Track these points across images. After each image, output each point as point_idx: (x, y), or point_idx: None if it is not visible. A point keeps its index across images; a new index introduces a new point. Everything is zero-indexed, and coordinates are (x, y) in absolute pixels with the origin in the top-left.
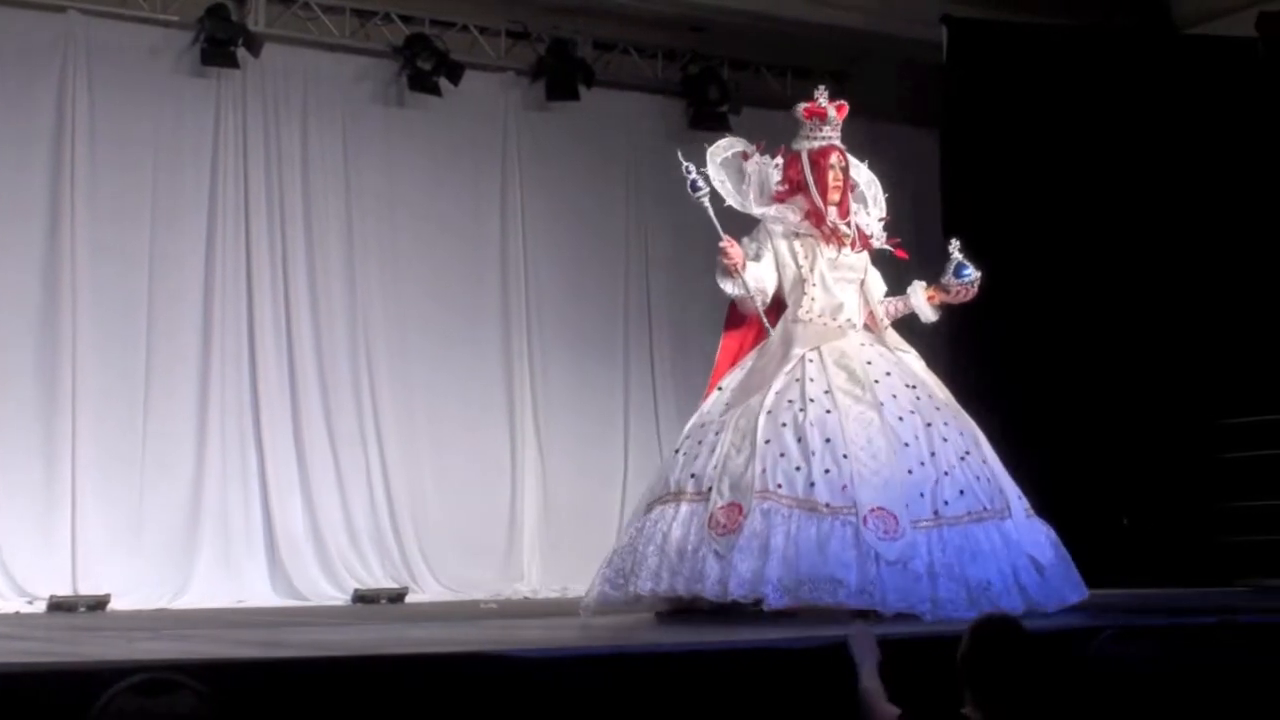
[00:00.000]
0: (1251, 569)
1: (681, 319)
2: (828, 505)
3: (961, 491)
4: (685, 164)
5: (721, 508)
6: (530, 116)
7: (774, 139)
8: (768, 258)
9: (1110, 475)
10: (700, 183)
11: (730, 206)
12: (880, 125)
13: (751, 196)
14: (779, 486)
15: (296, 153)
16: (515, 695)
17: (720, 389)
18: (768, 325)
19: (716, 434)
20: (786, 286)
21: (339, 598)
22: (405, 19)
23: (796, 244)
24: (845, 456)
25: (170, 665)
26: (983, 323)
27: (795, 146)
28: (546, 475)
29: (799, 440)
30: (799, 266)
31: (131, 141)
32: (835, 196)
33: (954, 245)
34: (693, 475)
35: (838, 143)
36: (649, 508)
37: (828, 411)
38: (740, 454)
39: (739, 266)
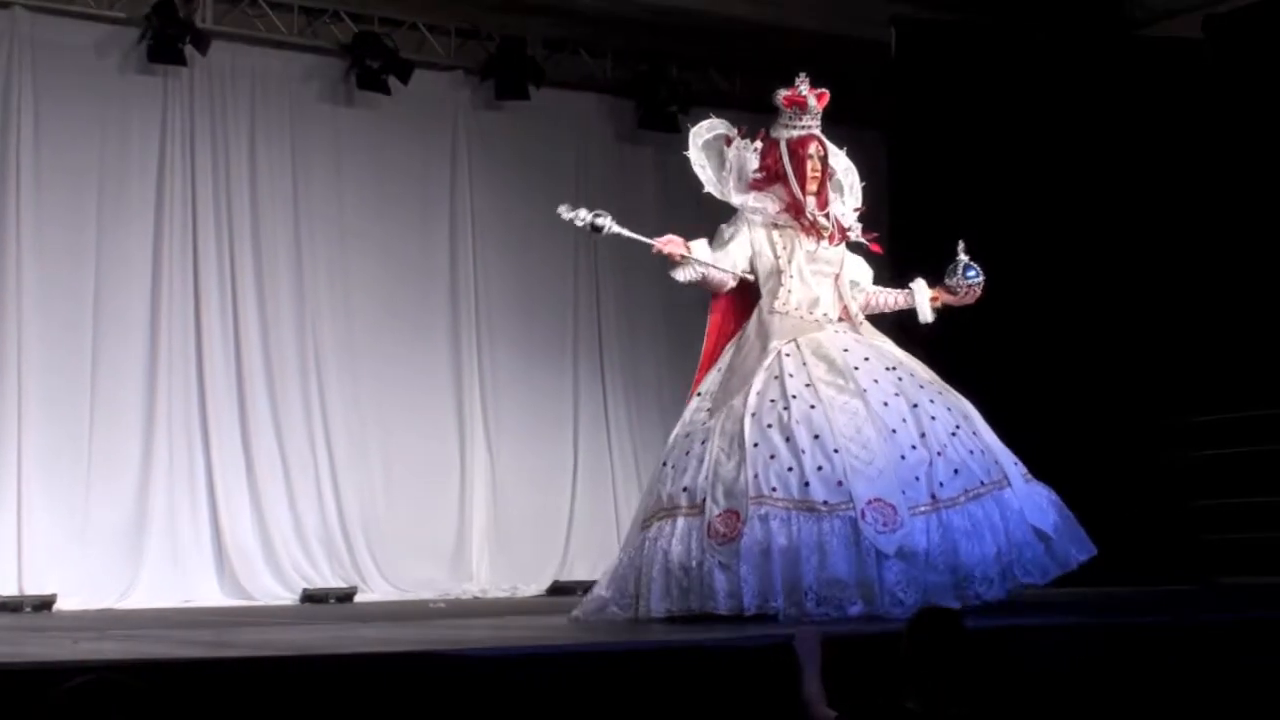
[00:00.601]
0: (1218, 567)
1: (631, 319)
2: (825, 503)
3: (956, 470)
4: (568, 215)
5: (719, 516)
6: (480, 115)
7: None
8: (741, 238)
9: (1077, 473)
10: (600, 220)
11: (708, 194)
12: (828, 125)
13: (731, 184)
14: (774, 490)
15: (244, 151)
16: (464, 694)
17: (700, 394)
18: (735, 274)
19: (703, 443)
20: (761, 277)
21: (287, 597)
22: (354, 17)
23: (775, 234)
24: (836, 451)
25: (116, 665)
26: (932, 326)
27: (774, 134)
28: (495, 475)
29: (787, 440)
30: (777, 258)
31: (77, 139)
32: (813, 187)
33: (960, 246)
34: (685, 488)
35: (817, 132)
36: (645, 524)
37: (812, 406)
38: (730, 460)
39: (683, 252)
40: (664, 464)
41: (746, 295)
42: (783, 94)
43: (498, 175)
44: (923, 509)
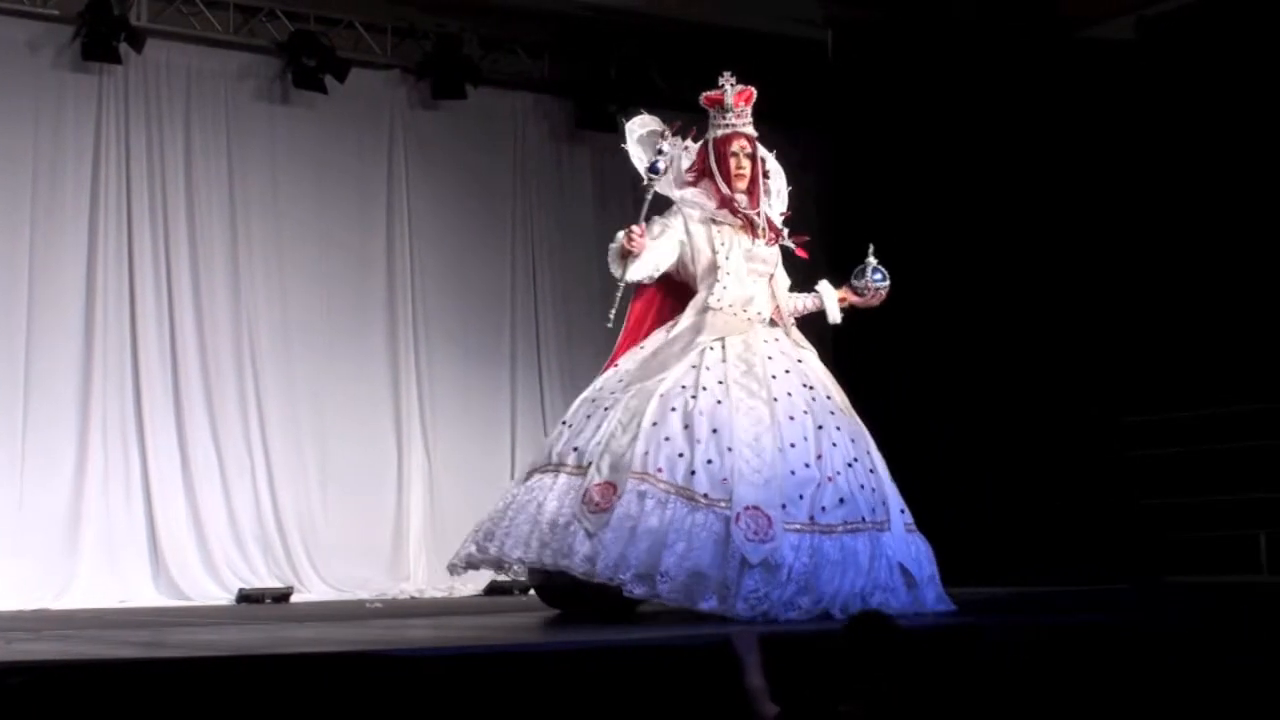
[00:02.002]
0: (1167, 566)
1: (568, 319)
2: (705, 496)
3: (842, 500)
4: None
5: (597, 485)
6: (416, 115)
7: None
8: (669, 236)
9: (1028, 472)
10: (656, 172)
11: (654, 187)
12: (769, 127)
13: (671, 178)
14: (659, 470)
15: (179, 150)
16: (401, 695)
17: (618, 366)
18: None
19: (606, 410)
20: (699, 272)
21: (223, 597)
22: (290, 15)
23: (714, 230)
24: (730, 449)
25: (50, 666)
26: (875, 326)
27: (705, 135)
28: (433, 474)
29: (686, 427)
30: (714, 254)
31: (10, 138)
32: (741, 185)
33: (870, 249)
34: (575, 448)
35: (743, 129)
36: (528, 475)
37: (719, 402)
38: (625, 434)
39: (635, 254)
40: (563, 422)
41: (673, 282)
42: (704, 95)
43: (435, 175)
44: (798, 527)
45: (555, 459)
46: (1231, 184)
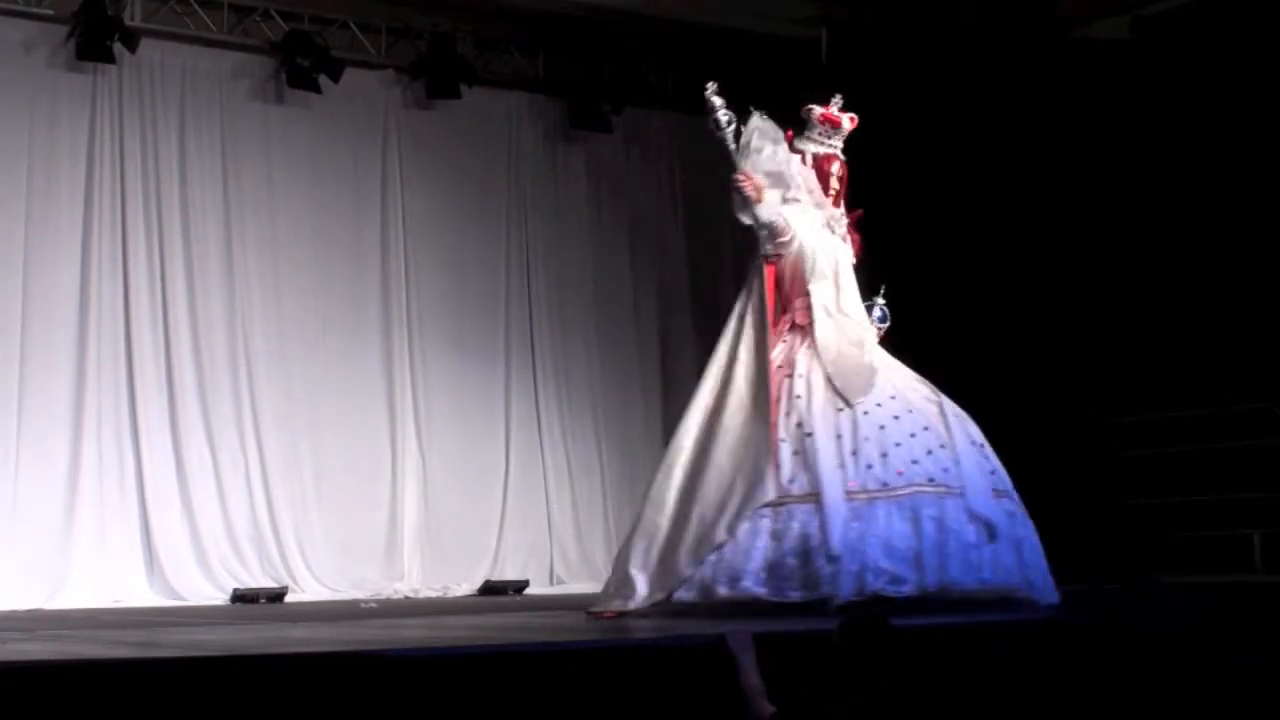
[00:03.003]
0: (1160, 566)
1: (562, 316)
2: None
3: (994, 471)
4: (717, 101)
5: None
6: (411, 115)
7: (650, 138)
8: (797, 216)
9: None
10: (722, 122)
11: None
12: None
13: (790, 178)
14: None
15: (174, 149)
16: (396, 695)
17: (800, 378)
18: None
19: (843, 435)
20: (815, 275)
21: (218, 597)
22: (284, 15)
23: (828, 240)
24: (973, 444)
25: (44, 666)
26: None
27: (799, 145)
28: (427, 475)
29: (942, 446)
30: (836, 262)
31: (5, 137)
32: (828, 202)
33: (881, 289)
34: (878, 477)
35: (840, 154)
36: (772, 508)
37: (928, 402)
38: (930, 448)
39: (759, 195)
40: (779, 440)
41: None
42: (819, 110)
43: (429, 174)
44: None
45: (853, 487)
46: (1226, 183)
